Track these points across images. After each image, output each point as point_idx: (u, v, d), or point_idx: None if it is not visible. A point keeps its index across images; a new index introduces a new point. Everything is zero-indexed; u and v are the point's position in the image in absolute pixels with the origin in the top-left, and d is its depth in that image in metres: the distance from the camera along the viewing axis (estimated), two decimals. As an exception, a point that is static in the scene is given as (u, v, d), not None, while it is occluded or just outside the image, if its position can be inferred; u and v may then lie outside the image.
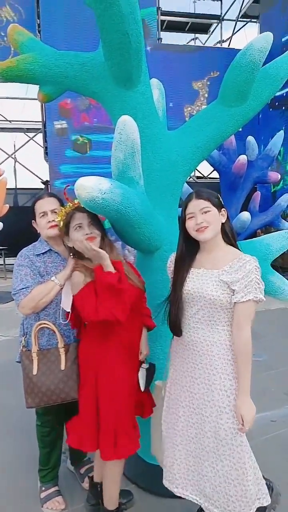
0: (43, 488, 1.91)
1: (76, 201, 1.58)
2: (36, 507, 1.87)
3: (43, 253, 1.76)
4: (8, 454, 2.32)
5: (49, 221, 1.73)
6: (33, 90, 10.15)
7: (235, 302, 1.36)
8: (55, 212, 1.73)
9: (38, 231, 1.82)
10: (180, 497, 1.84)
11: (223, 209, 1.46)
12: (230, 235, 1.49)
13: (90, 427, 1.56)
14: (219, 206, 1.44)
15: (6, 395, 2.96)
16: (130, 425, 1.58)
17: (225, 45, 11.68)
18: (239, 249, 1.48)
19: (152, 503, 1.87)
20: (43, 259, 1.75)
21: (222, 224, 1.46)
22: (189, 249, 1.51)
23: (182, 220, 1.50)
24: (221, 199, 1.48)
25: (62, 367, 1.65)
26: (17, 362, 1.79)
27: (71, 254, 1.64)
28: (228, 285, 1.37)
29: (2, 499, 1.94)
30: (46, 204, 1.76)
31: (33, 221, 1.82)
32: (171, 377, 1.59)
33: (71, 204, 1.61)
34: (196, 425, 1.47)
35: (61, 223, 1.61)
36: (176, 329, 1.50)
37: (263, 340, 4.11)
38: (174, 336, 1.56)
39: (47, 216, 1.74)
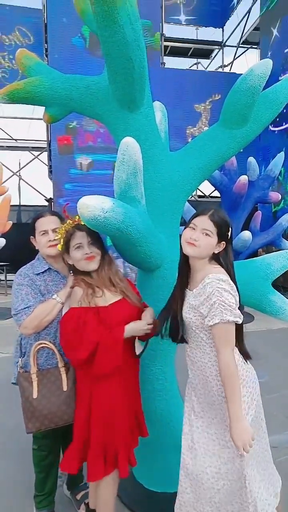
0: None
1: (76, 218, 1.58)
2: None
3: (42, 272, 1.74)
4: (4, 477, 2.25)
5: (50, 240, 1.72)
6: (39, 110, 10.43)
7: (208, 325, 1.33)
8: (56, 231, 1.72)
9: (37, 248, 1.81)
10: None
11: (223, 242, 1.43)
12: (224, 267, 1.43)
13: (78, 444, 1.54)
14: (221, 238, 1.41)
15: (3, 415, 2.89)
16: (122, 447, 1.53)
17: (226, 69, 12.05)
18: (232, 278, 1.43)
19: (151, 531, 1.80)
20: (43, 278, 1.73)
21: (217, 254, 1.44)
22: (186, 265, 1.50)
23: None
24: (230, 234, 1.44)
25: (64, 388, 1.60)
26: (13, 383, 1.75)
27: (70, 271, 1.64)
28: (196, 309, 1.36)
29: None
30: (47, 223, 1.75)
31: (31, 237, 1.80)
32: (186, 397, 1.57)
33: (70, 222, 1.61)
34: (199, 444, 1.44)
35: (61, 240, 1.61)
36: (177, 337, 1.49)
37: (265, 360, 4.05)
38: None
39: (47, 235, 1.73)
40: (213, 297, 1.31)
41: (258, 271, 1.95)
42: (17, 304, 1.63)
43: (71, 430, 1.61)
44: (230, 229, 1.44)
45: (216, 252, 1.43)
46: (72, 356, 1.48)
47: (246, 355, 1.46)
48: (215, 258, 1.45)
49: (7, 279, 9.15)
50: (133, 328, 1.51)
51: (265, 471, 1.48)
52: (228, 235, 1.43)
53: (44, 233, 1.74)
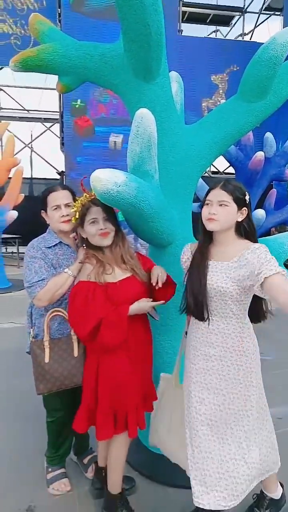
0: (50, 469, 1.94)
1: (93, 192, 1.56)
2: (42, 491, 1.90)
3: (54, 246, 1.74)
4: (18, 438, 2.37)
5: (63, 215, 1.71)
6: (51, 80, 10.19)
7: (265, 278, 1.26)
8: (69, 206, 1.71)
9: (48, 222, 1.79)
10: (181, 487, 1.87)
11: (244, 208, 1.42)
12: (250, 233, 1.46)
13: (85, 406, 1.59)
14: (241, 204, 1.40)
15: (19, 381, 3.02)
16: (132, 408, 1.58)
17: (246, 38, 11.46)
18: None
19: (155, 491, 1.89)
20: (54, 251, 1.74)
21: (240, 222, 1.43)
22: (206, 240, 1.50)
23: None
24: (247, 198, 1.43)
25: (75, 354, 1.66)
26: (27, 353, 1.80)
27: (83, 244, 1.65)
28: (236, 278, 1.35)
29: (10, 482, 2.00)
30: (60, 198, 1.73)
31: (42, 211, 1.78)
32: (187, 373, 1.57)
33: (87, 195, 1.60)
34: (220, 420, 1.46)
35: (76, 214, 1.60)
36: (201, 315, 1.47)
37: (272, 339, 4.08)
38: (190, 329, 1.56)
39: (60, 209, 1.71)
40: (265, 255, 1.32)
41: (270, 250, 1.92)
42: (30, 276, 1.64)
43: (79, 403, 1.66)
44: (246, 193, 1.42)
45: (239, 220, 1.42)
46: (77, 330, 1.51)
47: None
48: (241, 227, 1.44)
49: (19, 251, 9.28)
50: (137, 307, 1.54)
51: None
52: (246, 199, 1.42)
53: (56, 208, 1.72)
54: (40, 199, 1.80)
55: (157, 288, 1.60)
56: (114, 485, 1.68)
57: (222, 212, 1.39)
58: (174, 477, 1.92)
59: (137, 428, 1.60)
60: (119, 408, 1.56)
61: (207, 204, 1.43)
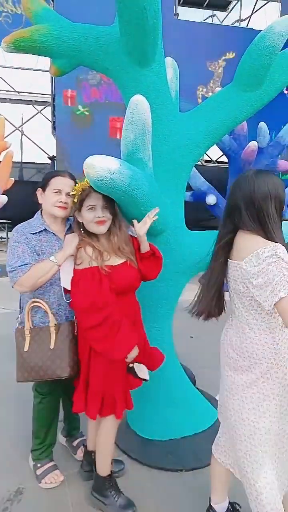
0: (39, 465, 1.91)
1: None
2: (31, 473, 1.93)
3: (38, 232, 1.72)
4: (4, 423, 2.39)
5: (61, 201, 1.69)
6: (43, 61, 9.91)
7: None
8: (69, 196, 1.67)
9: (40, 202, 1.75)
10: (168, 469, 1.92)
11: None
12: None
13: (80, 388, 1.63)
14: None
15: (6, 366, 3.02)
16: (120, 392, 1.62)
17: (243, 24, 11.31)
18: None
19: (143, 473, 1.94)
20: (38, 238, 1.71)
21: None
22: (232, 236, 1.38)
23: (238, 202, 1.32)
24: None
25: (51, 346, 1.65)
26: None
27: (80, 229, 1.63)
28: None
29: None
30: (64, 184, 1.70)
31: (39, 189, 1.74)
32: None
33: (88, 180, 1.56)
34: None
35: (76, 197, 1.57)
36: (209, 315, 1.45)
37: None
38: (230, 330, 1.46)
39: (60, 195, 1.69)
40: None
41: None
42: (13, 261, 1.62)
43: (71, 387, 1.69)
44: None
45: None
46: (87, 316, 1.48)
47: None
48: None
49: (9, 236, 9.19)
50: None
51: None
52: None
53: (57, 192, 1.70)
54: (43, 179, 1.76)
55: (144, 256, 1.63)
56: (103, 467, 1.72)
57: None
58: (161, 460, 1.98)
59: (123, 411, 1.64)
60: (107, 391, 1.59)
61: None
